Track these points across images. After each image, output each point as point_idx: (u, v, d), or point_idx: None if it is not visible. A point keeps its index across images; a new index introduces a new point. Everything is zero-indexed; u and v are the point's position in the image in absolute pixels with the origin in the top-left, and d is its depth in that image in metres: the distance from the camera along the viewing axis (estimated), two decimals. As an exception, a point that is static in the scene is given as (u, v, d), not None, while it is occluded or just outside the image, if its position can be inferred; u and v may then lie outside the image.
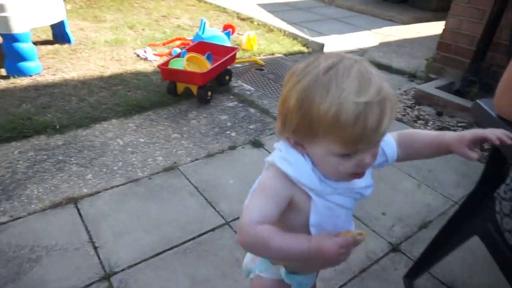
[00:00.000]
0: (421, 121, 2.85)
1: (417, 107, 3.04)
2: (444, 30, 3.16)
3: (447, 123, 2.82)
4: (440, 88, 3.10)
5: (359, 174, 0.73)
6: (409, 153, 0.88)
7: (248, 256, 1.03)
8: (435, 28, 3.51)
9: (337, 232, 0.75)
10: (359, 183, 0.79)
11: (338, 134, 0.65)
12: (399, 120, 2.81)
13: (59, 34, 3.57)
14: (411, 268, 1.50)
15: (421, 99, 3.09)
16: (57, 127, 2.31)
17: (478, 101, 1.06)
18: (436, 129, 2.73)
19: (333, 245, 0.70)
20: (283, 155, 0.75)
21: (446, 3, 3.08)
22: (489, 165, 1.16)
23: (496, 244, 1.00)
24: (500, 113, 0.96)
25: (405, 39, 4.89)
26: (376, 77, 0.65)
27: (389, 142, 0.85)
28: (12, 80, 2.82)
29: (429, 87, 3.11)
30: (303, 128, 0.68)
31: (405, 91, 3.30)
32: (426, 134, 0.89)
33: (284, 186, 0.74)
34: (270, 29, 4.62)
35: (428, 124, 2.80)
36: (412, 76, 3.65)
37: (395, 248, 1.68)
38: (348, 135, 0.64)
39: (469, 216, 1.23)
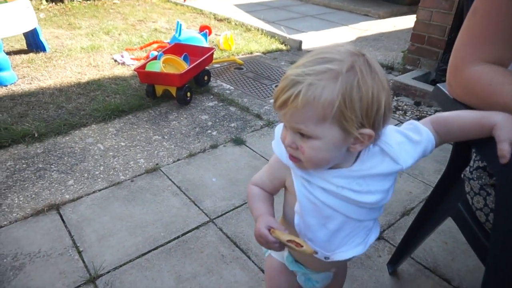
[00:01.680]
0: (400, 111, 2.92)
1: (395, 98, 3.11)
2: (416, 22, 3.24)
3: (425, 112, 2.90)
4: (416, 78, 3.18)
5: (292, 157, 0.73)
6: (446, 139, 0.81)
7: None
8: (411, 21, 3.59)
9: (271, 228, 0.77)
10: (335, 180, 0.74)
11: None
12: (378, 111, 2.87)
13: (33, 43, 3.51)
14: (394, 254, 1.53)
15: (399, 90, 3.16)
16: (36, 135, 2.28)
17: (438, 85, 1.09)
18: (415, 119, 2.80)
19: (257, 228, 0.79)
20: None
21: (420, -4, 3.16)
22: (456, 148, 1.20)
23: (468, 224, 1.02)
24: (452, 95, 0.99)
25: (381, 33, 4.98)
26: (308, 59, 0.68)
27: (426, 135, 0.78)
28: (-14, 90, 2.77)
29: (406, 78, 3.18)
30: None
31: (382, 83, 3.36)
32: (466, 117, 0.80)
33: (279, 166, 0.82)
34: (248, 29, 4.64)
35: (407, 114, 2.87)
36: (389, 68, 3.73)
37: (378, 236, 1.71)
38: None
39: (442, 199, 1.27)
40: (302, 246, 0.73)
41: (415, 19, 3.25)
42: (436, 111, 2.89)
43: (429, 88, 3.01)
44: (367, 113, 0.65)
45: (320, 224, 0.79)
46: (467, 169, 1.04)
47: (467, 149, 1.13)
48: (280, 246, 0.77)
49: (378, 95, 0.65)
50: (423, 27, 3.19)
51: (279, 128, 0.79)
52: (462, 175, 1.07)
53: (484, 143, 0.78)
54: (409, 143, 0.76)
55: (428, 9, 3.11)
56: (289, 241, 0.75)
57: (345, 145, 0.69)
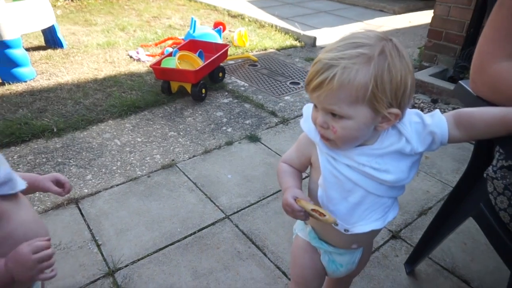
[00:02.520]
0: (416, 108, 2.87)
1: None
2: (433, 17, 3.18)
3: (442, 110, 2.85)
4: (433, 75, 3.13)
5: (323, 136, 0.79)
6: (470, 134, 0.80)
7: None
8: (427, 16, 3.53)
9: (297, 198, 0.82)
10: (358, 157, 0.79)
11: None
12: (394, 108, 2.84)
13: (51, 39, 3.57)
14: (411, 254, 1.51)
15: (415, 87, 3.11)
16: (55, 130, 2.32)
17: (460, 82, 1.07)
18: (431, 116, 2.76)
19: (284, 198, 0.83)
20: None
21: (436, -9, 3.10)
22: (478, 147, 1.18)
23: (490, 225, 1.00)
24: (476, 92, 0.97)
25: (397, 29, 4.91)
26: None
27: (438, 122, 0.79)
28: (7, 86, 2.83)
29: (423, 75, 3.13)
30: None
31: (398, 80, 3.32)
32: (491, 112, 0.80)
33: (306, 142, 0.88)
34: (262, 25, 4.63)
35: (424, 112, 2.82)
36: (405, 65, 3.67)
37: (395, 235, 1.70)
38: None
39: (463, 199, 1.24)
40: (324, 216, 0.79)
41: (432, 14, 3.19)
42: (453, 109, 2.83)
43: (446, 85, 2.96)
44: (396, 94, 0.71)
45: (342, 197, 0.84)
46: (490, 168, 1.02)
47: (489, 147, 1.11)
48: (305, 215, 0.83)
49: (405, 77, 0.71)
50: (440, 23, 3.13)
51: (307, 107, 0.85)
52: (485, 174, 1.05)
53: (510, 141, 0.76)
54: (421, 124, 0.79)
55: (446, 4, 3.05)
56: (313, 210, 0.80)
57: (373, 124, 0.75)
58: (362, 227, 0.87)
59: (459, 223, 1.26)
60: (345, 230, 0.89)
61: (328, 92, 0.70)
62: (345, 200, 0.85)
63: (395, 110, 0.72)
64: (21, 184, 0.79)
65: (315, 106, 0.78)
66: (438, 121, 0.79)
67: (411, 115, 0.80)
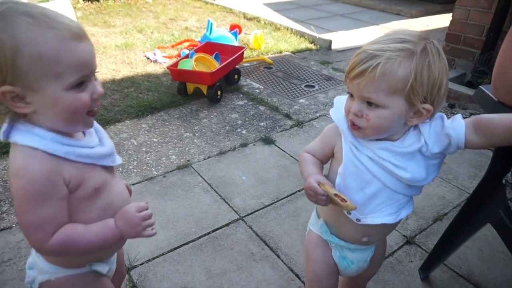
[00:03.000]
0: (432, 113, 2.84)
1: (427, 99, 3.03)
2: (451, 21, 3.14)
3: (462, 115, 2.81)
4: (451, 80, 3.09)
5: (354, 125, 0.81)
6: (490, 141, 0.79)
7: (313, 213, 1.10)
8: (445, 20, 3.48)
9: (320, 183, 0.86)
10: (379, 151, 0.82)
11: None
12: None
13: (72, 40, 3.65)
14: (426, 260, 1.50)
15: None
16: (73, 129, 2.38)
17: (481, 86, 1.06)
18: (448, 121, 2.72)
19: (308, 182, 0.87)
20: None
21: (455, -6, 3.06)
22: (497, 153, 1.16)
23: (509, 231, 1.00)
24: (498, 98, 0.96)
25: (413, 32, 4.85)
26: None
27: (456, 126, 0.79)
28: (28, 86, 2.90)
29: (440, 80, 3.08)
30: None
31: (415, 84, 3.28)
32: (508, 120, 0.78)
33: (331, 132, 0.93)
34: (277, 28, 4.64)
35: (439, 117, 2.79)
36: (421, 69, 3.63)
37: (409, 241, 1.68)
38: None
39: (481, 205, 1.23)
40: (346, 202, 0.82)
41: (450, 18, 3.15)
42: (471, 114, 2.79)
43: (464, 90, 2.91)
44: (431, 91, 0.75)
45: (359, 187, 0.87)
46: (509, 174, 1.01)
47: (509, 153, 1.09)
48: (326, 199, 0.86)
49: (442, 76, 0.75)
50: (459, 27, 3.09)
51: (338, 98, 0.90)
52: (504, 181, 1.04)
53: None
54: (440, 125, 0.81)
55: (465, 7, 3.01)
56: (335, 195, 0.83)
57: (405, 117, 0.78)
58: (374, 219, 0.89)
59: (476, 230, 1.25)
60: (357, 219, 0.91)
61: (369, 80, 0.74)
62: (362, 190, 0.87)
63: (428, 106, 0.75)
64: (119, 159, 0.86)
65: (351, 95, 0.81)
66: (457, 124, 0.79)
67: (434, 116, 0.82)
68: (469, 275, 1.52)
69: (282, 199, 1.89)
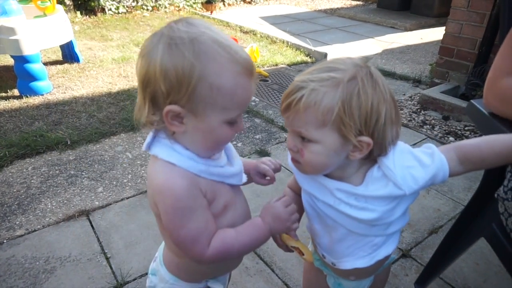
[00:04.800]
0: (427, 126, 2.85)
1: (422, 112, 3.05)
2: (445, 35, 3.18)
3: (454, 127, 2.82)
4: (445, 92, 3.11)
5: (293, 159, 0.77)
6: (479, 167, 0.78)
7: None
8: (439, 33, 3.53)
9: (282, 236, 0.83)
10: (336, 192, 0.77)
11: None
12: (405, 125, 2.82)
13: (68, 54, 3.68)
14: (422, 273, 1.48)
15: (426, 104, 3.10)
16: (68, 142, 2.38)
17: (472, 101, 1.07)
18: (443, 134, 2.73)
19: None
20: None
21: (448, 8, 3.11)
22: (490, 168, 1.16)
23: (502, 246, 0.99)
24: (489, 108, 0.97)
25: (408, 45, 4.92)
26: None
27: (439, 164, 0.74)
28: (24, 99, 2.91)
29: (434, 92, 3.11)
30: None
31: (410, 97, 3.31)
32: (501, 141, 0.76)
33: None
34: (273, 41, 4.69)
35: (435, 129, 2.81)
36: (417, 82, 3.67)
37: (405, 254, 1.67)
38: None
39: (474, 219, 1.22)
40: (303, 255, 0.81)
41: (443, 31, 3.19)
42: (465, 126, 2.81)
43: (458, 102, 2.94)
44: (365, 122, 0.67)
45: (325, 231, 0.84)
46: (501, 188, 1.01)
47: (502, 167, 1.09)
48: (287, 248, 0.85)
49: (378, 105, 0.67)
50: (452, 40, 3.13)
51: None
52: (496, 195, 1.03)
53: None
54: (419, 167, 0.74)
55: (458, 21, 3.05)
56: (292, 247, 0.83)
57: (344, 152, 0.71)
58: (347, 263, 0.85)
59: (470, 243, 1.24)
60: (332, 263, 0.88)
61: (296, 114, 0.69)
62: (328, 234, 0.84)
63: (365, 139, 0.68)
64: (244, 177, 0.84)
65: (288, 128, 0.77)
66: (439, 163, 0.73)
67: (404, 157, 0.74)
68: (465, 288, 1.51)
69: (277, 212, 1.88)
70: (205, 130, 0.69)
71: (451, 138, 2.67)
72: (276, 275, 1.53)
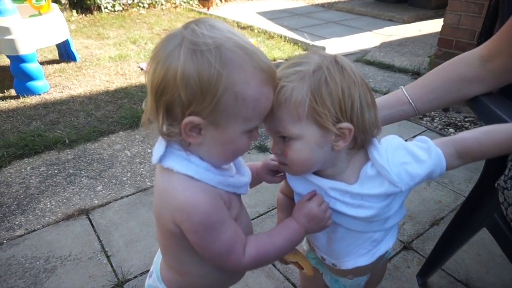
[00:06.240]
0: (427, 117, 2.84)
1: (421, 104, 3.03)
2: (443, 26, 3.16)
3: (453, 119, 2.81)
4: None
5: (280, 163, 0.76)
6: (476, 160, 0.76)
7: None
8: (437, 25, 3.52)
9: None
10: (331, 191, 0.76)
11: None
12: (404, 118, 2.81)
13: (65, 53, 3.66)
14: (424, 265, 1.48)
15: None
16: (67, 142, 2.37)
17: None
18: (443, 125, 2.72)
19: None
20: None
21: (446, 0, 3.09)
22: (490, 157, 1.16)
23: (504, 235, 0.99)
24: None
25: (406, 38, 4.89)
26: None
27: (436, 159, 0.72)
28: (21, 99, 2.90)
29: (433, 84, 3.10)
30: None
31: (408, 89, 3.29)
32: (501, 131, 0.74)
33: None
34: (271, 36, 4.67)
35: (435, 121, 2.80)
36: (415, 74, 3.65)
37: (406, 246, 1.67)
38: None
39: (476, 209, 1.22)
40: (302, 269, 0.81)
41: (441, 23, 3.17)
42: (465, 117, 2.80)
43: (458, 93, 2.92)
44: (340, 108, 0.66)
45: (323, 233, 0.81)
46: (502, 178, 1.00)
47: (502, 156, 1.09)
48: (285, 263, 0.85)
49: (349, 90, 0.66)
50: (450, 31, 3.11)
51: None
52: (496, 185, 1.03)
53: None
54: (414, 163, 0.71)
55: (456, 12, 3.03)
56: (291, 262, 0.83)
57: (326, 143, 0.69)
58: (348, 263, 0.83)
59: (472, 234, 1.23)
60: (333, 264, 0.87)
61: (271, 115, 0.67)
62: (327, 235, 0.83)
63: (345, 125, 0.67)
64: (248, 187, 0.80)
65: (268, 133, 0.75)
66: (436, 158, 0.71)
67: (398, 154, 0.72)
68: (468, 280, 1.50)
69: (277, 207, 1.87)
70: (224, 141, 0.65)
71: (451, 130, 2.66)
72: (278, 270, 1.53)
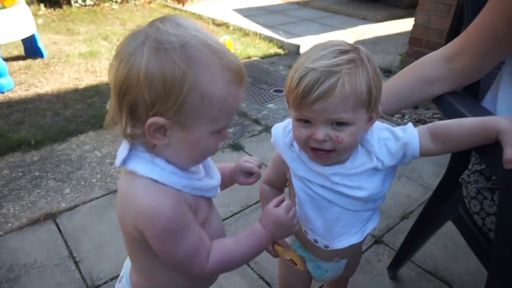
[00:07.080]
0: (398, 114, 2.91)
1: (393, 101, 3.10)
2: (414, 25, 3.24)
3: (423, 115, 2.89)
4: (414, 81, 3.17)
5: (319, 151, 0.75)
6: (446, 147, 0.79)
7: None
8: (408, 24, 3.59)
9: (275, 243, 0.87)
10: (332, 177, 0.79)
11: None
12: (376, 115, 2.86)
13: (31, 49, 3.51)
14: (394, 258, 1.52)
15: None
16: (32, 143, 2.27)
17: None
18: (413, 122, 2.79)
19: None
20: None
21: (418, -1, 3.17)
22: (455, 153, 1.19)
23: (468, 228, 1.02)
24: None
25: (379, 36, 4.99)
26: None
27: (409, 136, 0.78)
28: (-17, 98, 2.76)
29: (404, 81, 3.17)
30: None
31: (381, 87, 3.36)
32: (468, 121, 0.79)
33: (280, 160, 0.89)
34: (246, 33, 4.65)
35: (405, 118, 2.86)
36: (387, 72, 3.72)
37: (378, 240, 1.70)
38: None
39: (442, 202, 1.26)
40: (296, 265, 0.84)
41: (413, 22, 3.25)
42: (433, 114, 2.88)
43: (427, 91, 3.00)
44: (379, 94, 0.74)
45: (318, 214, 0.85)
46: (465, 172, 1.04)
47: (467, 152, 1.12)
48: (276, 255, 0.88)
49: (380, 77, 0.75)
50: (421, 31, 3.19)
51: (275, 129, 0.87)
52: (460, 179, 1.06)
53: (487, 146, 0.77)
54: (392, 139, 0.79)
55: (426, 12, 3.11)
56: (287, 259, 0.85)
57: (365, 125, 0.76)
58: (341, 242, 0.87)
59: (439, 227, 1.27)
60: (325, 246, 0.89)
61: (339, 99, 0.67)
62: (322, 217, 0.85)
63: (379, 109, 0.75)
64: (219, 189, 0.78)
65: (304, 121, 0.73)
66: (410, 135, 0.77)
67: (381, 131, 0.80)
68: (435, 270, 1.55)
69: (251, 205, 1.86)
70: (191, 142, 0.63)
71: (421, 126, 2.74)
72: (252, 269, 1.52)
